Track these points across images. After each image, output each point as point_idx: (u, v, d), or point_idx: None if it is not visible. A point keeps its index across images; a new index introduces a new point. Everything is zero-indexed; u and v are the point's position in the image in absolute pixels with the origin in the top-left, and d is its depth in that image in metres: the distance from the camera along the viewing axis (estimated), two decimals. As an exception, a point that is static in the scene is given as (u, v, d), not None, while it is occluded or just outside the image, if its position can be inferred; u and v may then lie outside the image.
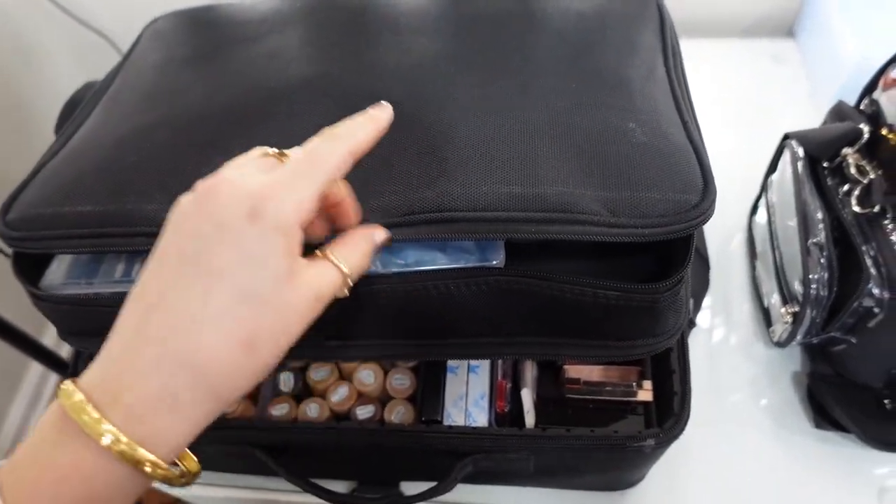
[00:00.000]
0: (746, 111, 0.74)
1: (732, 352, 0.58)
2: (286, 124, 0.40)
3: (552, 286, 0.36)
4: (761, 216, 0.60)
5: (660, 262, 0.38)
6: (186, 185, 0.38)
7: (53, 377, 1.64)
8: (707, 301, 0.61)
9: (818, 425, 0.53)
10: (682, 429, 0.41)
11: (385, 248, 0.40)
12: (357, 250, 0.31)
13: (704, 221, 0.33)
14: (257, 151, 0.30)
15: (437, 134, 0.37)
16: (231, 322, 0.25)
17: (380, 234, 0.33)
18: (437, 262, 0.39)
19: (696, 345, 0.59)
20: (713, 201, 0.33)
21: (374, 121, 0.32)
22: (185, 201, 0.29)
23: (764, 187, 0.61)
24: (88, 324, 0.42)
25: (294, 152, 0.30)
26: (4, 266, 0.43)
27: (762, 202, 0.61)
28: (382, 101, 0.33)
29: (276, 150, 0.30)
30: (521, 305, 0.37)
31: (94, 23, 1.14)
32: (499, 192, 0.34)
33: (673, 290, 0.35)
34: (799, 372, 0.57)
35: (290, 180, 0.28)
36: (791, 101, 0.75)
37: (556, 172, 0.34)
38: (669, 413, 0.43)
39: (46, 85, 1.35)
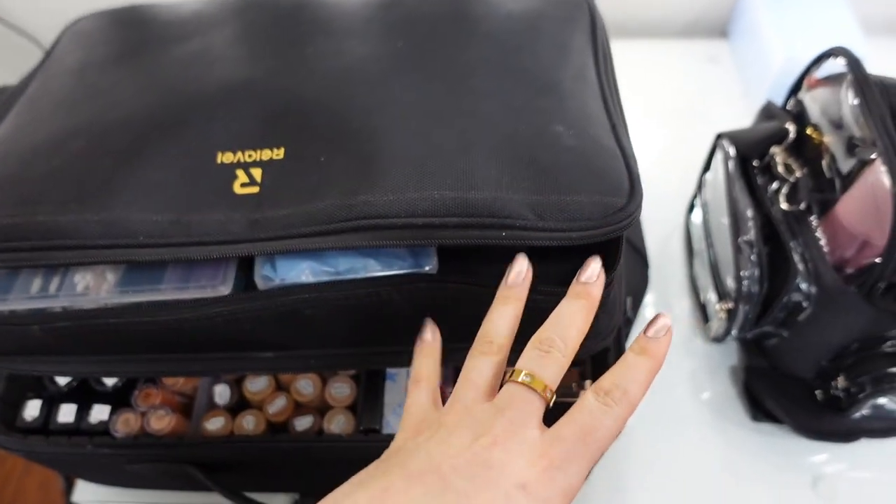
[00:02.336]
0: (683, 111, 0.76)
1: (672, 347, 0.59)
2: (207, 129, 0.38)
3: (484, 292, 0.35)
4: (697, 215, 0.62)
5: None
6: (103, 195, 0.37)
7: None
8: (647, 298, 0.62)
9: (755, 417, 0.55)
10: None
11: (315, 257, 0.39)
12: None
13: (630, 224, 0.33)
14: (522, 390, 0.30)
15: (365, 139, 0.36)
16: None
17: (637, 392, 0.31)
18: (369, 269, 0.38)
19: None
20: (639, 204, 0.33)
21: (651, 372, 0.33)
22: (460, 409, 0.30)
23: (699, 186, 0.62)
24: (2, 342, 0.40)
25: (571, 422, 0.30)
26: None
27: (698, 201, 0.62)
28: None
29: (538, 380, 0.31)
30: (455, 311, 0.37)
31: (17, 21, 1.09)
32: (428, 197, 0.33)
33: (604, 292, 0.35)
34: (736, 366, 0.58)
35: (569, 457, 0.28)
36: (725, 101, 0.77)
37: (485, 177, 0.34)
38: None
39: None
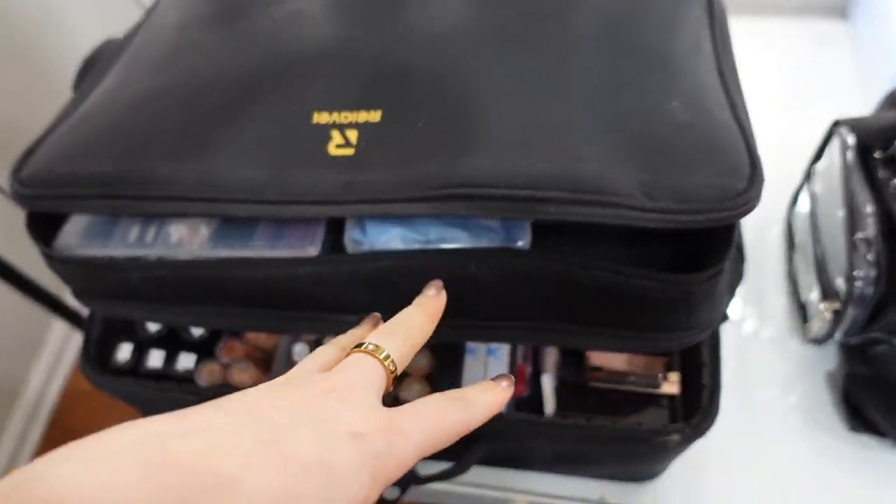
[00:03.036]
0: (790, 95, 0.71)
1: (764, 346, 0.56)
2: (304, 89, 0.38)
3: (580, 272, 0.34)
4: (803, 206, 0.57)
5: (697, 252, 0.36)
6: (200, 149, 0.37)
7: (75, 340, 1.67)
8: (740, 292, 0.58)
9: (853, 428, 0.51)
10: (710, 424, 0.39)
11: (406, 224, 0.38)
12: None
13: (750, 209, 0.30)
14: (369, 359, 0.28)
15: (466, 107, 0.35)
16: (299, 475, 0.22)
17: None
18: (460, 240, 0.37)
19: (726, 337, 0.56)
20: (761, 188, 0.31)
21: (497, 396, 0.30)
22: (299, 373, 0.28)
23: (807, 176, 0.57)
24: (101, 286, 0.42)
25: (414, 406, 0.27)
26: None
27: (804, 192, 0.58)
28: (504, 377, 0.31)
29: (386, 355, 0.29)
30: (545, 291, 0.36)
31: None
32: (530, 169, 0.31)
33: (710, 283, 0.33)
34: (834, 371, 0.54)
35: (406, 429, 0.25)
36: (838, 87, 0.71)
37: (591, 151, 0.32)
38: (696, 407, 0.41)
39: (66, 39, 1.35)
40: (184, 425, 0.22)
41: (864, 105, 0.68)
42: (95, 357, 0.46)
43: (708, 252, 0.34)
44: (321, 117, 0.37)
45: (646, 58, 0.36)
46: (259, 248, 0.39)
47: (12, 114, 1.21)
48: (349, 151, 0.35)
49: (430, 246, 0.36)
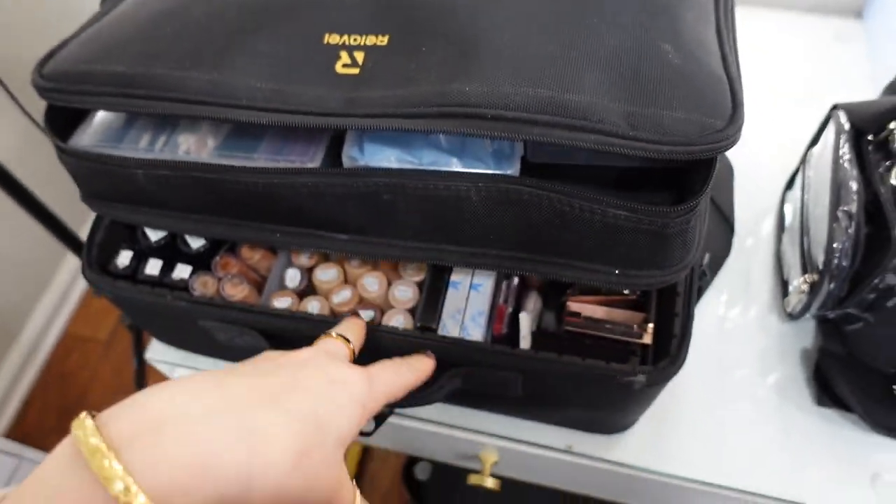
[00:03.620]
0: (801, 89, 0.72)
1: (745, 321, 0.57)
2: (319, 12, 0.40)
3: (561, 199, 0.35)
4: (795, 190, 0.59)
5: (677, 199, 0.38)
6: (215, 59, 0.39)
7: (79, 286, 1.70)
8: (727, 270, 0.60)
9: (820, 402, 0.52)
10: (675, 371, 0.41)
11: (401, 146, 0.40)
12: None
13: (727, 147, 0.32)
14: (330, 339, 0.38)
15: (468, 35, 0.36)
16: (298, 426, 0.27)
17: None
18: (451, 166, 0.39)
19: (709, 310, 0.58)
20: (739, 128, 0.32)
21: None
22: (270, 360, 0.32)
23: (803, 160, 0.59)
24: (108, 187, 0.43)
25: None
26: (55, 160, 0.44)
27: (798, 176, 0.59)
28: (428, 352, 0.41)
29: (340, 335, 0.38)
30: (528, 218, 0.37)
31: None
32: (523, 93, 0.33)
33: (684, 217, 0.34)
34: (809, 349, 0.55)
35: (374, 373, 0.35)
36: (849, 83, 0.72)
37: (581, 82, 0.33)
38: (666, 356, 0.42)
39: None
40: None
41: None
42: (97, 260, 0.48)
43: (685, 192, 0.35)
44: (332, 38, 0.39)
45: (647, 4, 0.37)
46: (262, 161, 0.41)
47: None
48: (355, 70, 0.37)
49: (423, 167, 0.38)
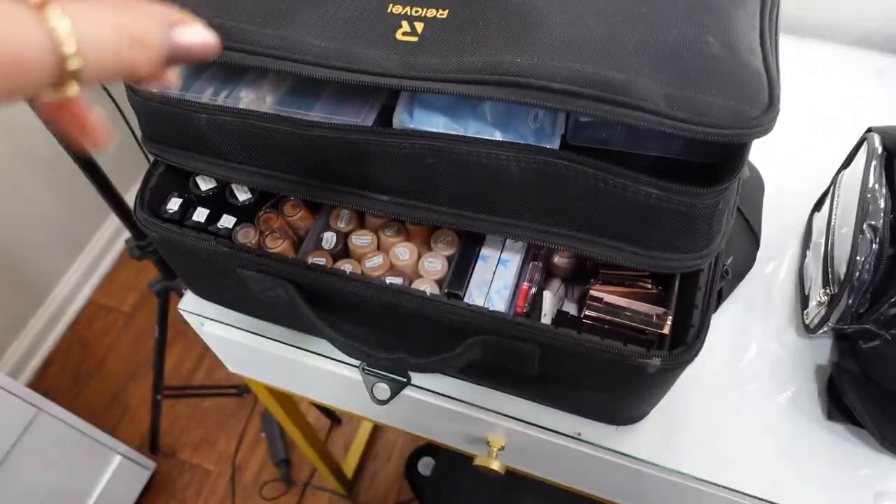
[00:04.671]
0: (835, 118, 0.73)
1: (763, 332, 0.58)
2: None
3: (597, 175, 0.37)
4: (823, 211, 0.60)
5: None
6: (284, 17, 0.41)
7: (111, 254, 1.75)
8: (749, 281, 0.61)
9: (830, 416, 0.53)
10: (691, 358, 0.42)
11: (450, 114, 0.42)
12: (108, 33, 0.21)
13: (761, 133, 0.33)
14: None
15: (524, 13, 0.39)
16: None
17: (190, 33, 0.24)
18: (495, 137, 0.41)
19: (729, 318, 0.59)
20: (774, 117, 0.34)
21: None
22: None
23: (833, 182, 0.60)
24: (170, 129, 0.46)
25: None
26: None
27: (827, 199, 0.60)
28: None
29: None
30: (563, 192, 0.39)
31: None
32: (570, 67, 0.35)
33: (713, 200, 0.36)
34: (824, 365, 0.56)
35: None
36: (883, 117, 0.73)
37: (627, 63, 0.35)
38: (682, 344, 0.43)
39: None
40: None
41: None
42: (148, 202, 0.51)
43: (715, 177, 0.37)
44: (395, 8, 0.41)
45: (696, 1, 0.39)
46: (317, 118, 0.43)
47: None
48: (414, 39, 0.40)
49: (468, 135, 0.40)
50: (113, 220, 1.74)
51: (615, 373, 0.45)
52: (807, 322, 0.54)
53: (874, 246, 0.47)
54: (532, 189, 0.40)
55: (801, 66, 0.77)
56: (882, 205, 0.48)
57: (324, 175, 0.44)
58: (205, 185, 0.52)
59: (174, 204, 0.51)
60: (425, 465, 1.07)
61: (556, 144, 0.41)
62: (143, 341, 1.65)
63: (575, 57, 0.36)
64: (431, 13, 0.41)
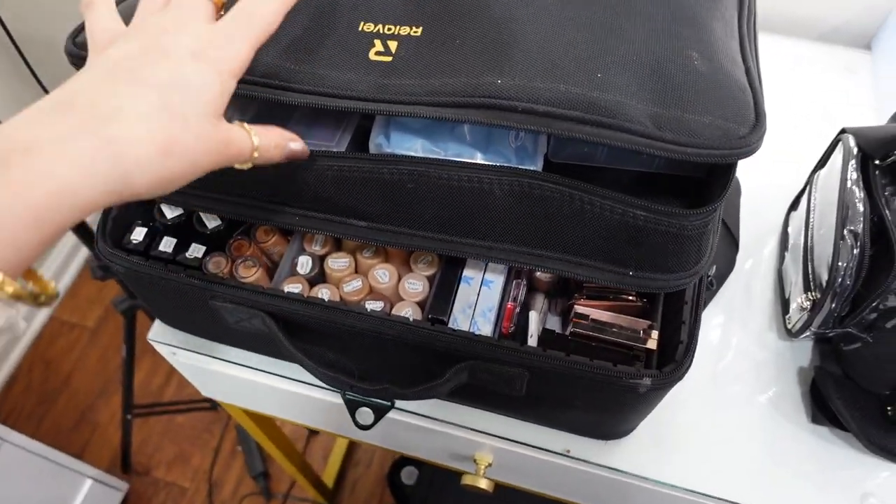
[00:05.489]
0: (807, 115, 0.73)
1: (744, 336, 0.58)
2: (356, 3, 0.40)
3: (583, 197, 0.36)
4: (800, 211, 0.60)
5: (692, 206, 0.38)
6: (299, 45, 0.39)
7: (71, 269, 1.69)
8: (728, 285, 0.61)
9: (814, 419, 0.53)
10: (681, 376, 0.41)
11: (427, 136, 0.40)
12: (272, 139, 0.35)
13: (749, 153, 0.33)
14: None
15: (502, 29, 0.37)
16: (154, 125, 0.28)
17: (296, 144, 0.37)
18: (475, 158, 0.40)
19: (710, 322, 0.59)
20: (762, 136, 0.33)
21: None
22: (138, 22, 0.32)
23: (808, 182, 0.60)
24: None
25: (234, 8, 0.33)
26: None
27: (803, 198, 0.60)
28: None
29: None
30: (548, 215, 0.38)
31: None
32: (553, 88, 0.34)
33: (702, 221, 0.35)
34: (806, 368, 0.56)
35: (231, 33, 0.32)
36: (854, 112, 0.73)
37: (611, 82, 0.34)
38: (671, 362, 0.43)
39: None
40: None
41: (874, 135, 0.70)
42: (111, 233, 0.48)
43: (703, 197, 0.36)
44: (367, 26, 0.39)
45: (676, 14, 0.38)
46: (286, 142, 0.41)
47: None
48: (388, 59, 0.38)
49: (448, 158, 0.39)
50: (71, 234, 1.68)
51: (605, 392, 0.44)
52: (789, 327, 0.55)
53: (855, 251, 0.47)
54: (516, 211, 0.38)
55: (770, 61, 0.77)
56: (861, 208, 0.49)
57: (298, 202, 0.42)
58: (170, 212, 0.49)
59: (139, 234, 0.49)
60: (409, 475, 1.06)
61: (539, 164, 0.40)
62: (109, 357, 1.60)
63: (557, 76, 0.34)
64: (405, 31, 0.39)
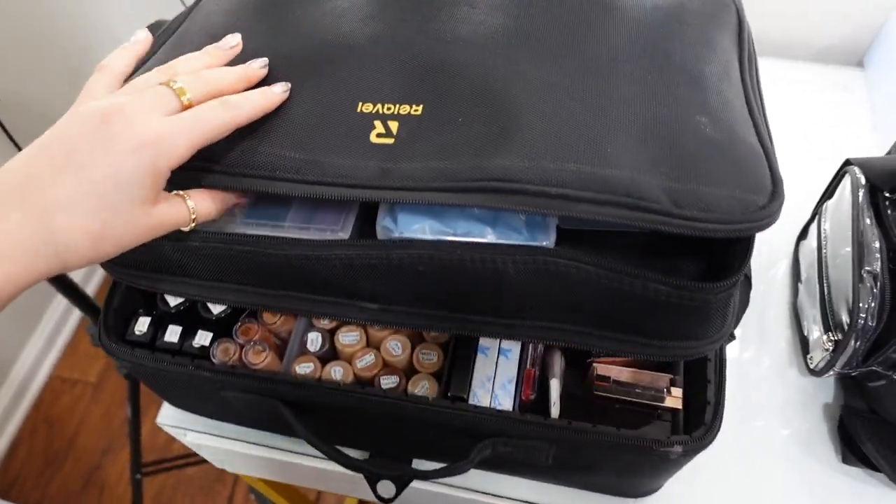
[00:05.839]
0: (805, 136, 0.73)
1: (764, 375, 0.57)
2: (351, 79, 0.39)
3: (601, 273, 0.35)
4: (810, 242, 0.59)
5: (711, 267, 0.38)
6: (246, 128, 0.38)
7: (69, 326, 1.66)
8: (744, 321, 0.60)
9: (845, 459, 0.52)
10: (712, 439, 0.40)
11: (435, 216, 0.39)
12: (211, 202, 0.37)
13: (770, 223, 0.32)
14: (165, 89, 0.35)
15: (505, 106, 0.36)
16: (89, 217, 0.32)
17: (234, 199, 0.39)
18: (486, 236, 0.39)
19: (727, 364, 0.58)
20: (781, 204, 0.32)
21: (266, 98, 0.38)
22: (93, 107, 0.34)
23: (816, 213, 0.59)
24: (130, 255, 0.42)
25: (191, 111, 0.35)
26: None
27: (813, 228, 0.59)
28: (281, 83, 0.39)
29: (180, 88, 0.35)
30: (565, 291, 0.37)
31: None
32: (564, 168, 0.33)
33: (727, 293, 0.34)
34: (830, 404, 0.55)
35: (177, 133, 0.33)
36: (853, 132, 0.73)
37: (623, 157, 0.33)
38: (698, 423, 0.42)
39: (103, 25, 1.37)
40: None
41: (876, 150, 0.70)
42: (113, 326, 0.47)
43: (725, 264, 0.35)
44: (365, 107, 0.38)
45: (678, 74, 0.38)
46: (291, 230, 0.40)
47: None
48: (389, 141, 0.37)
49: (457, 238, 0.38)
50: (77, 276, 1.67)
51: (633, 458, 0.43)
52: (811, 366, 0.53)
53: (875, 291, 0.46)
54: (532, 289, 0.37)
55: (765, 85, 0.77)
56: (876, 245, 0.48)
57: (307, 288, 0.41)
58: (174, 300, 0.48)
59: (142, 324, 0.48)
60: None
61: (551, 236, 0.38)
62: (113, 412, 1.57)
63: (567, 155, 0.34)
64: (405, 110, 0.38)
